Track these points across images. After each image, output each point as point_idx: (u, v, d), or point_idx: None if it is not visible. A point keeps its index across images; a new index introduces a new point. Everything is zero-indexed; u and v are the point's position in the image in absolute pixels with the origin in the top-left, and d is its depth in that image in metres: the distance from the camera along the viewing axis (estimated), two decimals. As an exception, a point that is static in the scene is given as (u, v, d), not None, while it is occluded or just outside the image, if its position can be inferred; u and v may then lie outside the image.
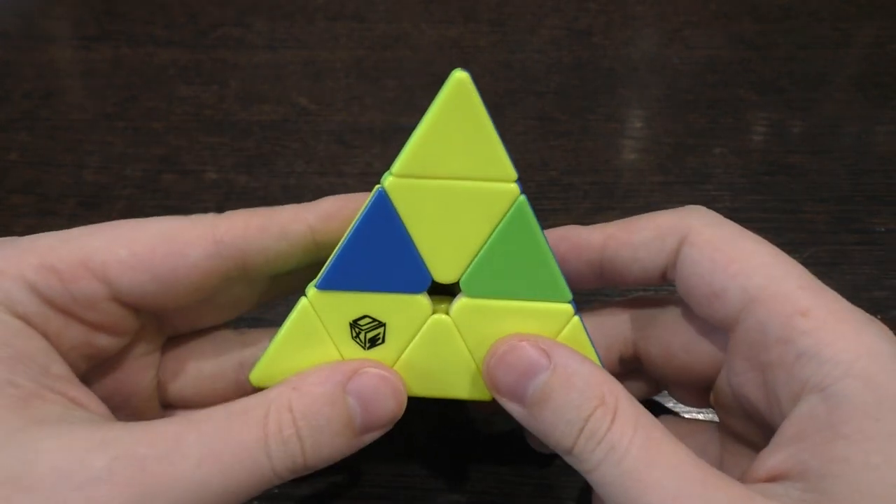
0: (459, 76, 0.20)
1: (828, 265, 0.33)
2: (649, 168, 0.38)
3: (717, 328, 0.21)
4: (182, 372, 0.24)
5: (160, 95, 0.43)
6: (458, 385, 0.22)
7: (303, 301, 0.21)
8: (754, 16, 0.48)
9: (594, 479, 0.18)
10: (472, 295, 0.21)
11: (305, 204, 0.22)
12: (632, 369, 0.25)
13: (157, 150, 0.40)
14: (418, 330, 0.21)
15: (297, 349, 0.22)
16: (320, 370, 0.20)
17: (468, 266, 0.21)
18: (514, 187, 0.20)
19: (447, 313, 0.21)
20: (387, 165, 0.20)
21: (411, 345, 0.21)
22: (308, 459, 0.19)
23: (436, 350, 0.21)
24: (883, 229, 0.35)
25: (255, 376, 0.22)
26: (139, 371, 0.23)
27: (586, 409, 0.18)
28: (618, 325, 0.24)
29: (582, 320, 0.21)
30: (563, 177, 0.38)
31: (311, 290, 0.21)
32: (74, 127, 0.41)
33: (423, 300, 0.21)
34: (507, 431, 0.28)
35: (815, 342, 0.18)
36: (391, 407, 0.20)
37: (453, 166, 0.20)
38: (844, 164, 0.38)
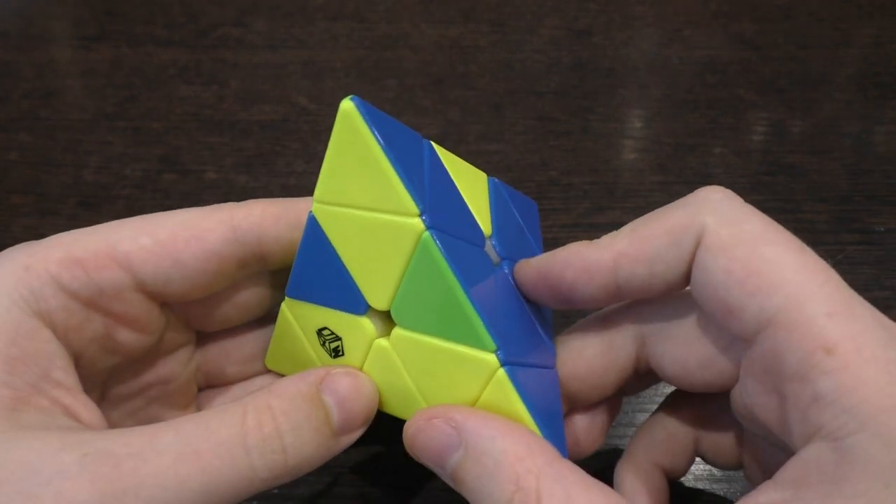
0: (344, 106, 0.18)
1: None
2: (649, 168, 0.38)
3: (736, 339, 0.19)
4: (220, 367, 0.25)
5: (160, 95, 0.43)
6: (407, 408, 0.21)
7: (283, 305, 0.22)
8: (754, 16, 0.48)
9: None
10: (403, 326, 0.20)
11: (307, 198, 0.22)
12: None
13: (157, 149, 0.40)
14: (367, 349, 0.21)
15: (287, 344, 0.22)
16: (293, 376, 0.20)
17: (394, 296, 0.20)
18: (417, 222, 0.18)
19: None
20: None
21: (365, 363, 0.21)
22: (290, 458, 0.18)
23: (383, 372, 0.21)
24: (883, 229, 0.35)
25: (268, 360, 0.23)
26: (174, 368, 0.23)
27: (501, 499, 0.17)
28: (626, 344, 0.21)
29: (512, 372, 0.19)
30: (562, 177, 0.38)
31: (286, 296, 0.22)
32: (74, 127, 0.41)
33: (365, 323, 0.20)
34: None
35: (835, 386, 0.16)
36: (365, 404, 0.20)
37: (358, 197, 0.19)
38: (844, 164, 0.38)
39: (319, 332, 0.21)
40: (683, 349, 0.20)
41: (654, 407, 0.24)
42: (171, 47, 0.46)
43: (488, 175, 0.24)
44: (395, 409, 0.21)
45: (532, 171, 0.38)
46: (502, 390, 0.19)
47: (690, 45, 0.46)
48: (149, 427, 0.18)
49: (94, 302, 0.20)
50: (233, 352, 0.25)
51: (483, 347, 0.19)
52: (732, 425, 0.22)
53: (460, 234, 0.19)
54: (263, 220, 0.21)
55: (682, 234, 0.18)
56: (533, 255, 0.22)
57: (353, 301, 0.20)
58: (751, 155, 0.39)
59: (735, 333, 0.18)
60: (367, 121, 0.18)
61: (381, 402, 0.21)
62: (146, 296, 0.21)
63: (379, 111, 0.19)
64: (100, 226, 0.21)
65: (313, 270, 0.21)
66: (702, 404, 0.22)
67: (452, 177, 0.21)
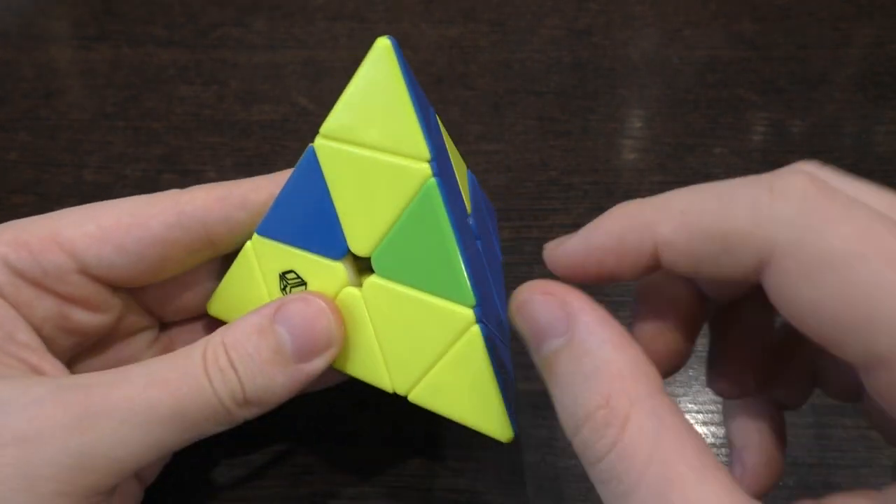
0: (383, 42, 0.18)
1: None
2: (649, 168, 0.38)
3: None
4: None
5: (160, 95, 0.43)
6: (364, 366, 0.21)
7: (247, 243, 0.22)
8: (754, 16, 0.48)
9: (601, 493, 0.15)
10: (382, 274, 0.20)
11: (266, 175, 0.22)
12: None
13: (157, 149, 0.40)
14: (334, 298, 0.21)
15: (239, 288, 0.23)
16: (250, 312, 0.20)
17: (380, 242, 0.20)
18: (426, 167, 0.18)
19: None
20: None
21: None
22: (246, 387, 0.19)
23: (347, 323, 0.21)
24: (883, 229, 0.35)
25: (211, 306, 0.24)
26: (136, 350, 0.24)
27: (585, 406, 0.15)
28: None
29: (487, 331, 0.18)
30: (562, 177, 0.38)
31: (255, 234, 0.22)
32: (74, 127, 0.41)
33: (339, 268, 0.20)
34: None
35: None
36: (321, 327, 0.20)
37: (372, 136, 0.19)
38: (844, 164, 0.38)
39: (283, 275, 0.21)
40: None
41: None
42: (171, 47, 0.46)
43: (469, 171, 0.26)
44: (351, 366, 0.21)
45: (532, 171, 0.38)
46: (473, 347, 0.19)
47: (690, 44, 0.46)
48: (116, 368, 0.19)
49: (39, 282, 0.21)
50: (196, 335, 0.25)
51: (462, 301, 0.19)
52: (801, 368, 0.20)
53: (454, 194, 0.20)
54: (207, 202, 0.21)
55: (741, 246, 0.15)
56: (495, 250, 0.23)
57: (332, 244, 0.20)
58: (751, 155, 0.39)
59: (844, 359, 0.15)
60: (399, 59, 0.18)
61: (337, 359, 0.21)
62: (91, 279, 0.21)
63: (406, 62, 0.19)
64: (52, 213, 0.22)
65: (296, 209, 0.21)
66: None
67: (448, 148, 0.22)
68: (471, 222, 0.22)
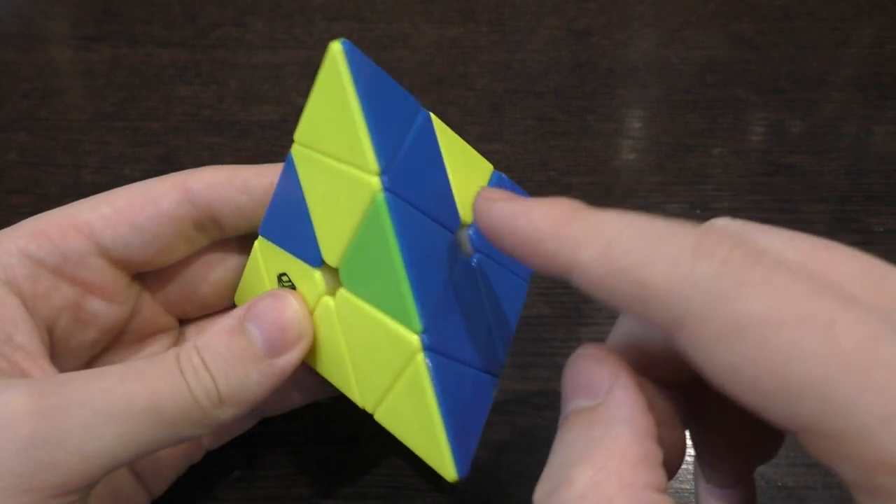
0: (334, 47, 0.17)
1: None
2: (648, 168, 0.38)
3: None
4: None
5: (159, 95, 0.43)
6: (338, 375, 0.20)
7: (255, 243, 0.22)
8: (753, 16, 0.48)
9: None
10: (348, 287, 0.19)
11: (271, 164, 0.22)
12: None
13: (156, 150, 0.40)
14: (316, 304, 0.20)
15: (253, 284, 0.23)
16: (224, 315, 0.20)
17: (344, 254, 0.19)
18: (375, 181, 0.17)
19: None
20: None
21: (313, 317, 0.21)
22: (220, 386, 0.19)
23: (325, 331, 0.20)
24: (882, 229, 0.35)
25: (236, 297, 0.24)
26: (156, 353, 0.24)
27: (571, 469, 0.14)
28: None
29: (435, 361, 0.17)
30: (561, 177, 0.38)
31: (259, 234, 0.22)
32: (73, 127, 0.41)
33: (318, 276, 0.20)
34: (506, 431, 0.28)
35: None
36: (288, 318, 0.20)
37: (330, 144, 0.18)
38: (843, 164, 0.38)
39: (280, 277, 0.22)
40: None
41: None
42: (170, 47, 0.46)
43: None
44: (328, 372, 0.21)
45: (531, 171, 0.38)
46: (418, 377, 0.18)
47: (690, 45, 0.46)
48: (98, 368, 0.19)
49: (59, 269, 0.21)
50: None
51: (409, 326, 0.18)
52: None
53: (426, 208, 0.18)
54: (214, 181, 0.22)
55: (655, 300, 0.14)
56: (513, 264, 0.21)
57: (310, 251, 0.20)
58: (750, 155, 0.39)
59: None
60: (351, 67, 0.17)
61: (318, 363, 0.21)
62: (110, 262, 0.22)
63: (373, 64, 0.18)
64: (67, 205, 0.22)
65: (283, 212, 0.21)
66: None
67: (445, 156, 0.20)
68: (470, 234, 0.21)
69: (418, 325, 0.18)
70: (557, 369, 0.26)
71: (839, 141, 0.40)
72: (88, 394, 0.17)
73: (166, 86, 0.43)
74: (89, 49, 0.46)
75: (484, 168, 0.22)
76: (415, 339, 0.18)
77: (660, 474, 0.14)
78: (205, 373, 0.19)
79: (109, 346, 0.23)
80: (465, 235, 0.21)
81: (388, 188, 0.17)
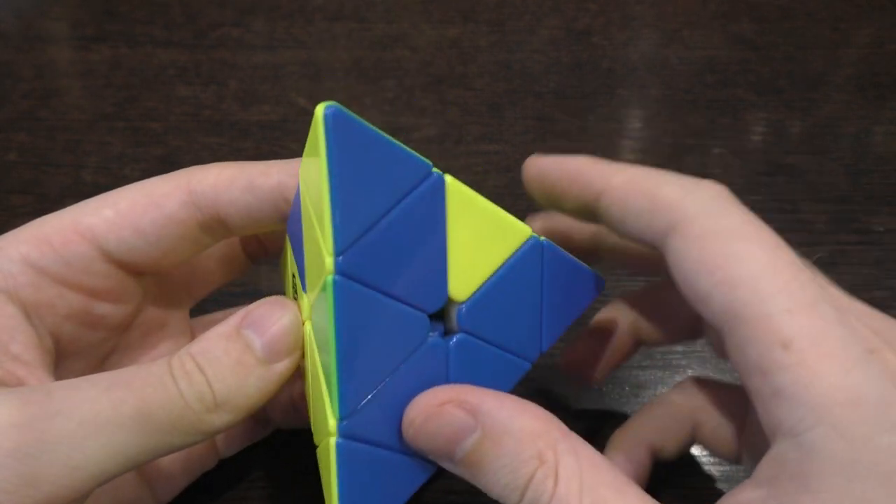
0: (317, 112, 0.16)
1: (827, 265, 0.33)
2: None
3: None
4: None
5: (159, 96, 0.43)
6: (307, 390, 0.21)
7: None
8: (753, 16, 0.48)
9: None
10: (313, 330, 0.19)
11: (277, 160, 0.22)
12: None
13: (156, 150, 0.40)
14: (305, 320, 0.20)
15: (286, 278, 0.23)
16: (219, 323, 0.20)
17: (309, 309, 0.19)
18: (329, 262, 0.16)
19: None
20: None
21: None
22: (216, 389, 0.18)
23: (305, 349, 0.20)
24: (882, 229, 0.35)
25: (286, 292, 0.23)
26: (169, 344, 0.24)
27: (524, 474, 0.17)
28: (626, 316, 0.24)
29: (346, 447, 0.18)
30: (562, 177, 0.38)
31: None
32: (73, 127, 0.41)
33: (305, 297, 0.20)
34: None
35: (792, 380, 0.16)
36: (285, 322, 0.19)
37: (311, 199, 0.18)
38: (843, 164, 0.38)
39: (293, 276, 0.22)
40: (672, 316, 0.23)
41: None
42: (170, 48, 0.46)
43: (530, 222, 0.22)
44: (305, 388, 0.21)
45: (531, 172, 0.38)
46: (329, 454, 0.18)
47: (689, 45, 0.46)
48: (86, 376, 0.18)
49: (63, 277, 0.20)
50: None
51: (332, 408, 0.18)
52: (734, 417, 0.22)
53: (394, 289, 0.18)
54: (218, 181, 0.21)
55: (662, 209, 0.19)
56: (530, 342, 0.20)
57: (301, 272, 0.20)
58: (750, 155, 0.39)
59: (708, 322, 0.18)
60: (330, 137, 0.16)
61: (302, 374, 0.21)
62: (115, 266, 0.21)
63: (366, 128, 0.16)
64: (68, 207, 0.21)
65: (292, 221, 0.21)
66: (707, 392, 0.23)
67: (450, 224, 0.18)
68: (461, 310, 0.19)
69: (337, 412, 0.18)
70: (556, 370, 0.26)
71: (839, 141, 0.40)
72: (73, 403, 0.17)
73: (166, 86, 0.43)
74: (89, 49, 0.46)
75: (515, 233, 0.19)
76: (332, 423, 0.18)
77: (555, 420, 0.18)
78: (199, 377, 0.18)
79: (120, 341, 0.23)
80: (452, 313, 0.19)
81: (341, 272, 0.17)
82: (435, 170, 0.18)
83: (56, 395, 0.17)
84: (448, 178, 0.18)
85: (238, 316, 0.20)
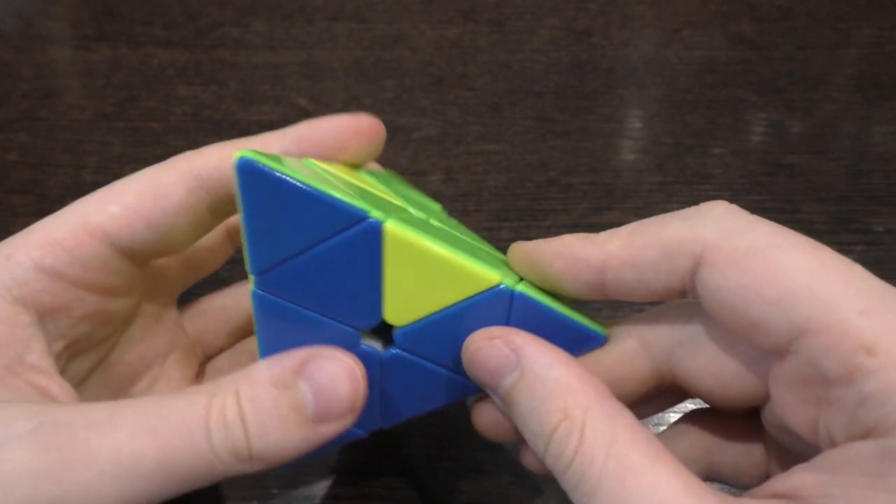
0: (234, 161, 0.18)
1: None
2: (648, 168, 0.38)
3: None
4: (210, 325, 0.26)
5: (159, 96, 0.43)
6: None
7: None
8: (753, 16, 0.48)
9: (573, 501, 0.17)
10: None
11: (276, 131, 0.22)
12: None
13: (156, 150, 0.40)
14: None
15: None
16: (273, 358, 0.19)
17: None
18: (252, 277, 0.19)
19: None
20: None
21: None
22: (253, 444, 0.17)
23: None
24: (882, 229, 0.35)
25: None
26: (167, 341, 0.24)
27: (548, 424, 0.17)
28: (647, 356, 0.20)
29: None
30: (561, 177, 0.38)
31: None
32: (73, 127, 0.41)
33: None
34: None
35: (883, 386, 0.15)
36: (346, 392, 0.18)
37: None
38: (843, 164, 0.38)
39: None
40: (716, 362, 0.19)
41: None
42: (170, 48, 0.46)
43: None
44: None
45: (531, 172, 0.38)
46: None
47: (689, 45, 0.46)
48: (113, 402, 0.17)
49: (80, 278, 0.20)
50: (221, 324, 0.26)
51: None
52: (754, 442, 0.21)
53: (315, 306, 0.20)
54: (221, 162, 0.21)
55: (678, 248, 0.17)
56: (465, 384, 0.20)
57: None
58: (750, 155, 0.39)
59: (763, 348, 0.17)
60: (241, 183, 0.18)
61: None
62: (128, 261, 0.21)
63: (279, 178, 0.18)
64: (71, 205, 0.21)
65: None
66: (719, 423, 0.21)
67: (388, 262, 0.19)
68: (398, 333, 0.20)
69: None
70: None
71: (839, 141, 0.40)
72: (94, 449, 0.16)
73: (166, 86, 0.43)
74: (89, 49, 0.46)
75: (474, 281, 0.19)
76: None
77: (599, 384, 0.17)
78: (238, 431, 0.17)
79: (122, 334, 0.23)
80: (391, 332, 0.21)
81: (259, 287, 0.19)
82: (373, 216, 0.18)
83: (79, 436, 0.16)
84: (389, 227, 0.18)
85: (298, 358, 0.18)
